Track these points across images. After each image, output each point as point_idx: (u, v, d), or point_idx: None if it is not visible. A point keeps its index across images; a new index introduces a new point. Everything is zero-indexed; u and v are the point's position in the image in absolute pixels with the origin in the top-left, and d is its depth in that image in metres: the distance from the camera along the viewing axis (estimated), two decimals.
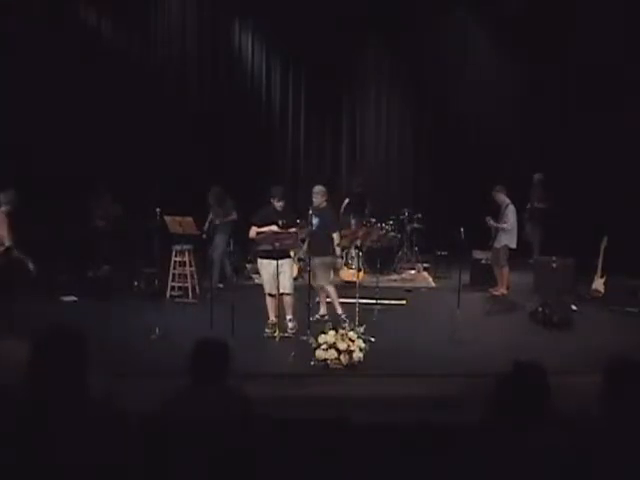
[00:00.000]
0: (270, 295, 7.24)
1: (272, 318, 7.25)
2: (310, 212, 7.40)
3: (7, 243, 7.34)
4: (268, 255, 7.06)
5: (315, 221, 7.41)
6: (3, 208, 7.47)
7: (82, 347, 2.42)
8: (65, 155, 9.43)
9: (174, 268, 8.66)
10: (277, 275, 6.95)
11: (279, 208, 7.11)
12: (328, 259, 7.44)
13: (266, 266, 7.17)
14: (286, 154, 12.24)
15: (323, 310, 7.69)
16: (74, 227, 9.17)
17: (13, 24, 8.90)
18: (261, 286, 7.62)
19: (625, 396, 2.52)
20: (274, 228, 6.99)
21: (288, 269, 7.22)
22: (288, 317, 7.21)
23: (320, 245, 7.38)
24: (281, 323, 7.11)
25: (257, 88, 12.11)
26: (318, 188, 7.50)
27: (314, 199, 7.46)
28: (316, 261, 7.37)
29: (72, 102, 9.57)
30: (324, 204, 7.53)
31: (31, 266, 7.37)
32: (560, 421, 2.50)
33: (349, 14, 11.13)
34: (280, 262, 7.00)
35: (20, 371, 2.32)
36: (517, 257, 9.21)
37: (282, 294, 7.14)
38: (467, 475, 2.39)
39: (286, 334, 6.98)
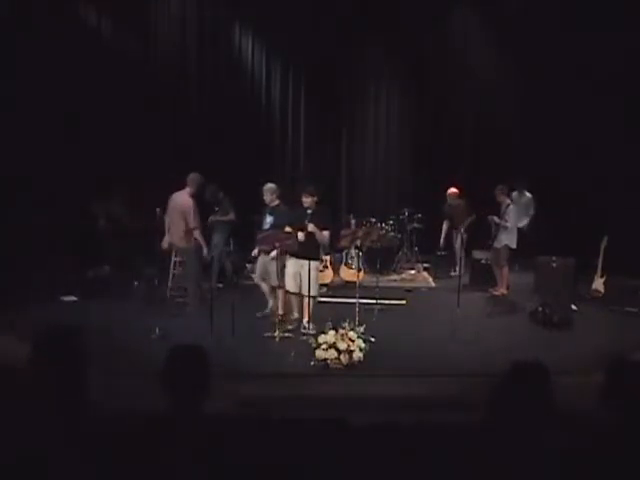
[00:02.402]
0: (293, 294, 7.29)
1: (295, 314, 7.37)
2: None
3: (192, 225, 7.45)
4: (295, 254, 7.09)
5: (269, 219, 7.33)
6: (188, 189, 7.56)
7: (81, 347, 2.41)
8: (64, 155, 9.42)
9: (174, 268, 8.65)
10: (302, 274, 7.00)
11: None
12: (272, 256, 7.29)
13: (292, 264, 7.21)
14: (286, 154, 12.24)
15: (275, 305, 7.54)
16: (75, 227, 9.18)
17: (13, 24, 8.90)
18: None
19: (625, 396, 2.52)
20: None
21: (314, 272, 7.14)
22: (305, 319, 7.22)
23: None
24: (282, 322, 7.12)
25: (257, 88, 12.12)
26: (268, 186, 7.37)
27: (265, 197, 7.33)
28: (269, 260, 7.28)
29: (71, 102, 9.56)
30: (276, 201, 7.44)
31: (205, 251, 7.49)
32: (560, 421, 2.50)
33: (349, 14, 11.14)
34: (303, 262, 7.01)
35: (21, 370, 2.33)
36: (517, 257, 9.22)
37: (305, 295, 7.14)
38: (467, 475, 2.39)
39: (286, 334, 6.98)
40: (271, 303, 7.61)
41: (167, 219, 7.64)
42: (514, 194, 10.01)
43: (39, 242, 8.75)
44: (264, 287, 7.56)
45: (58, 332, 2.44)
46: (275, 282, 7.37)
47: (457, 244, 10.22)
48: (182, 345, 2.64)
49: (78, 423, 2.28)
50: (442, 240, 10.54)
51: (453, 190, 10.39)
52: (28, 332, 2.47)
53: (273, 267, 7.27)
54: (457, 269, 9.39)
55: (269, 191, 7.36)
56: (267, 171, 11.07)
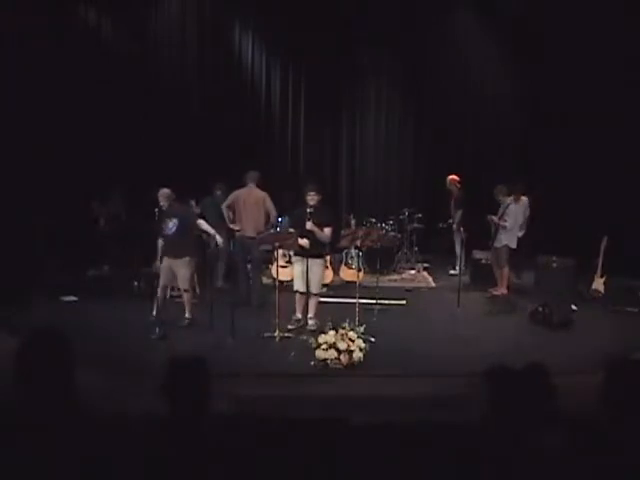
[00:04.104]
0: (298, 292, 7.34)
1: (298, 315, 7.39)
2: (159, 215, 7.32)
3: (274, 213, 8.18)
4: (300, 253, 7.16)
5: (171, 223, 7.15)
6: (253, 184, 8.16)
7: (67, 349, 2.39)
8: (65, 155, 9.44)
9: None
10: (306, 273, 7.06)
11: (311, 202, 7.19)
12: (187, 259, 7.26)
13: (297, 263, 7.28)
14: (286, 154, 12.24)
15: (188, 314, 7.42)
16: (75, 227, 9.18)
17: (14, 24, 8.91)
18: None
19: (625, 396, 2.52)
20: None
21: (317, 269, 7.24)
22: (309, 315, 7.29)
23: (180, 247, 7.18)
24: (281, 322, 7.12)
25: (257, 88, 12.12)
26: (163, 191, 7.22)
27: (161, 202, 7.20)
28: (178, 263, 7.20)
29: (71, 102, 9.57)
30: (175, 205, 7.30)
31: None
32: (560, 421, 2.50)
33: (349, 14, 11.14)
34: (310, 261, 7.07)
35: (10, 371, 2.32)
36: (517, 257, 9.21)
37: (308, 293, 7.20)
38: (467, 475, 2.39)
39: (286, 334, 6.98)
40: (155, 312, 7.26)
41: (238, 212, 8.12)
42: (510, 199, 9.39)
43: (39, 242, 8.76)
44: (160, 294, 7.27)
45: (41, 335, 2.41)
46: (185, 285, 7.31)
47: (457, 244, 10.23)
48: (182, 357, 2.62)
49: (71, 425, 2.28)
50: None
51: (452, 177, 10.46)
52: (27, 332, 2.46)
53: (183, 270, 7.23)
54: (457, 267, 9.52)
55: (163, 196, 7.22)
56: (267, 171, 11.08)
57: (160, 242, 7.34)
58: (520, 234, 9.25)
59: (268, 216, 8.16)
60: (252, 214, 8.07)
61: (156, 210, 7.63)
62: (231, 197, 8.25)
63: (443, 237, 10.57)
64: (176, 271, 7.22)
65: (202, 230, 7.50)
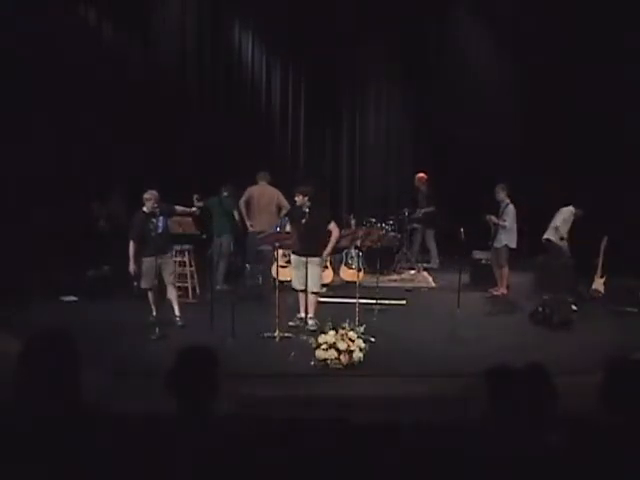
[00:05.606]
0: (296, 291, 7.42)
1: (301, 314, 7.42)
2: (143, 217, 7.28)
3: (287, 206, 8.56)
4: (299, 252, 7.23)
5: (160, 222, 7.19)
6: (262, 183, 8.89)
7: (72, 349, 2.39)
8: (65, 154, 9.43)
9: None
10: (306, 272, 7.11)
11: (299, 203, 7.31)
12: (172, 253, 7.68)
13: (295, 262, 7.35)
14: (286, 154, 12.24)
15: (177, 312, 7.47)
16: (75, 227, 9.17)
17: (14, 24, 8.91)
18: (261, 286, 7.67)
19: (625, 396, 2.52)
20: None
21: (316, 269, 7.27)
22: (309, 315, 7.31)
23: (168, 242, 7.42)
24: (283, 322, 7.12)
25: (257, 88, 12.12)
26: (152, 192, 7.18)
27: (153, 203, 7.13)
28: (167, 258, 7.37)
29: (71, 101, 9.57)
30: (160, 204, 7.26)
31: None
32: (560, 421, 2.50)
33: (349, 14, 11.14)
34: (308, 260, 7.10)
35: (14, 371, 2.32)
36: (517, 257, 9.21)
37: (306, 291, 7.24)
38: (467, 475, 2.39)
39: (286, 334, 6.98)
40: (154, 312, 7.31)
41: (252, 208, 8.85)
42: (566, 209, 9.03)
43: (39, 242, 8.75)
44: (150, 295, 7.32)
45: (45, 337, 2.40)
46: (173, 280, 7.47)
47: (429, 239, 10.76)
48: (191, 347, 2.64)
49: (73, 424, 2.28)
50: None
51: (420, 175, 10.81)
52: (27, 332, 2.46)
53: (172, 266, 7.54)
54: (431, 262, 10.63)
55: (154, 197, 7.19)
56: (267, 171, 11.08)
57: (132, 244, 7.18)
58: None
59: (280, 212, 8.74)
60: (265, 211, 8.71)
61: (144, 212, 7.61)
62: (246, 193, 8.89)
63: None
64: (164, 267, 7.27)
65: (182, 213, 7.74)
